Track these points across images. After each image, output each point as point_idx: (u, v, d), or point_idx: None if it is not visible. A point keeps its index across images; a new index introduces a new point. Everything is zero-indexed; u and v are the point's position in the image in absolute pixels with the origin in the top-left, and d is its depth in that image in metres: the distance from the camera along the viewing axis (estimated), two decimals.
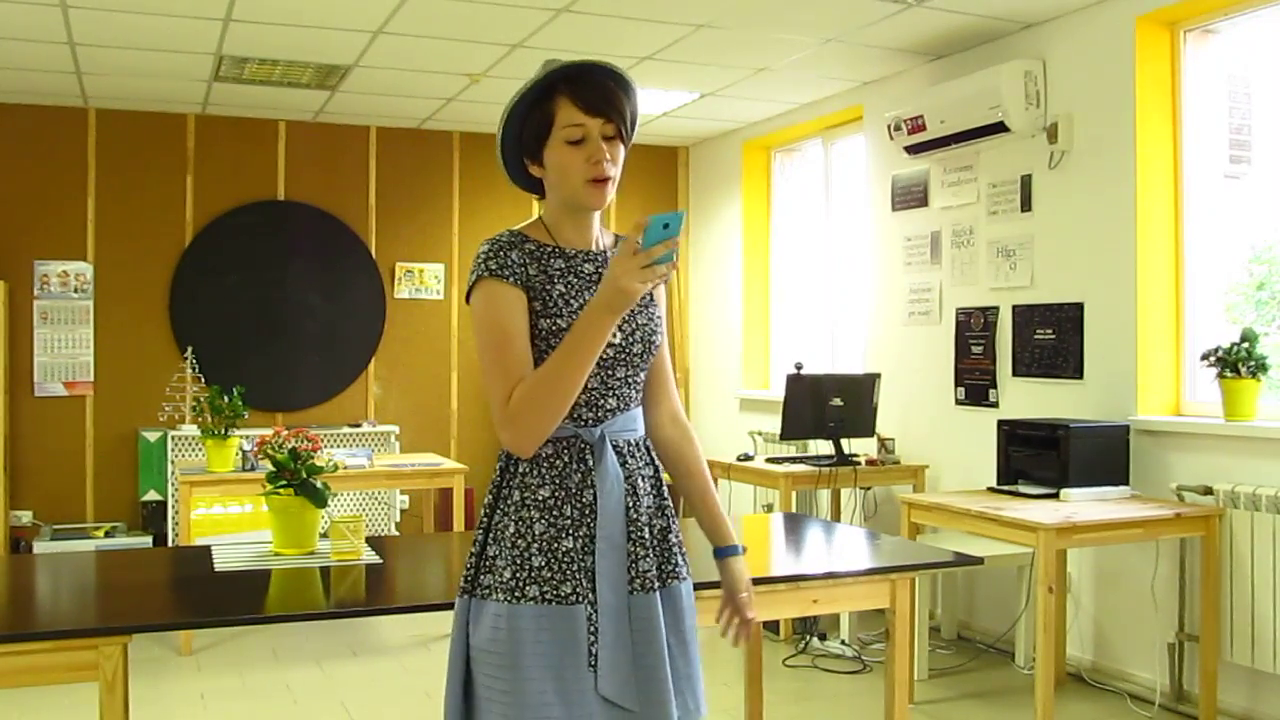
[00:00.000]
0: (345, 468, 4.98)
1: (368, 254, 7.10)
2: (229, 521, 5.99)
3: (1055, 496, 4.21)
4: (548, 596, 1.84)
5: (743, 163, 7.18)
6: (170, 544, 6.14)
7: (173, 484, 6.26)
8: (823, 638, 5.08)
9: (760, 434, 6.59)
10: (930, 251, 5.53)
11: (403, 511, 6.98)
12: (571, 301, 1.88)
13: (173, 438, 6.42)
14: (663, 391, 2.09)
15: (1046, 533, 3.75)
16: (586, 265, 1.94)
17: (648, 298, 2.00)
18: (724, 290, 7.37)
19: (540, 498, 1.88)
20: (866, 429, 5.42)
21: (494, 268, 1.87)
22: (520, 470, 1.90)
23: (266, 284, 6.89)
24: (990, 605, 5.19)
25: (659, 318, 2.01)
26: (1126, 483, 4.32)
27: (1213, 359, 4.13)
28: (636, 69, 5.66)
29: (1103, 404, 4.57)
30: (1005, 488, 4.44)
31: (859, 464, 5.28)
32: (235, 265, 6.81)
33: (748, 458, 5.65)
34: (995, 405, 5.11)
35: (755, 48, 5.31)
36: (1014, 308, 5.03)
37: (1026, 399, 4.96)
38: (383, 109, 6.65)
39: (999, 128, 4.83)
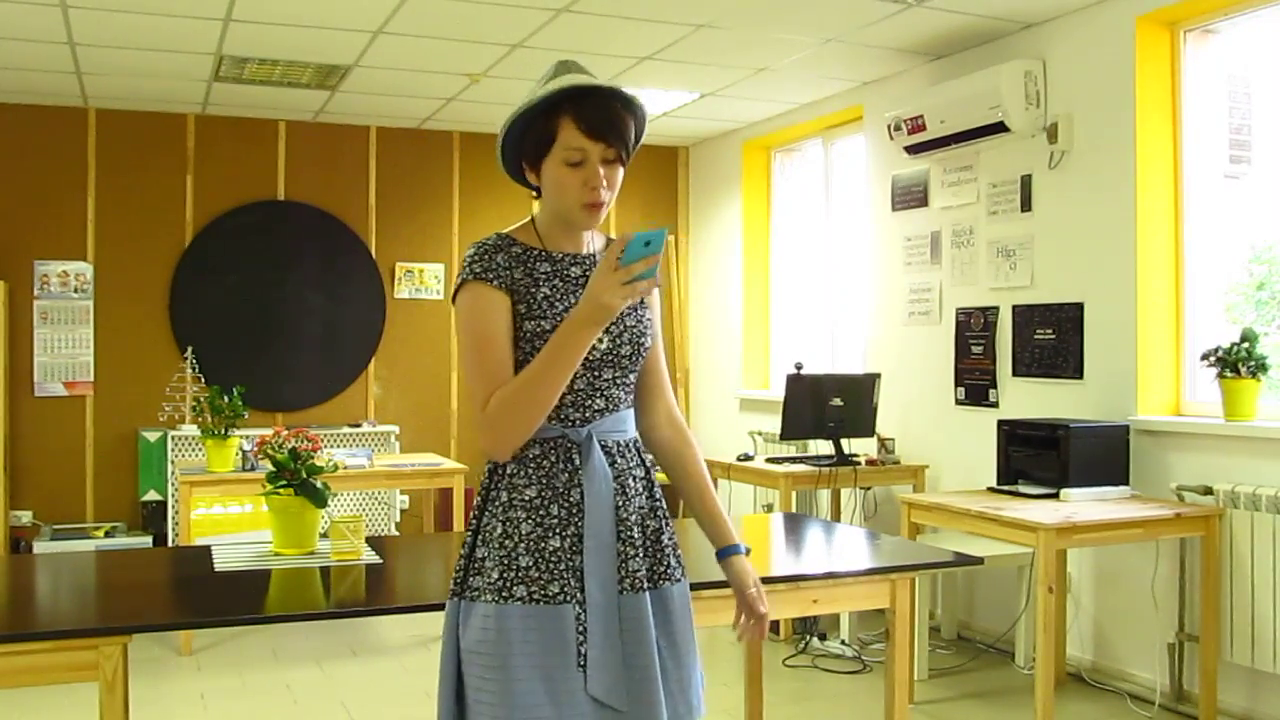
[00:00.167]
0: (345, 468, 4.98)
1: (368, 254, 7.10)
2: (229, 521, 5.99)
3: (1055, 496, 4.21)
4: (535, 596, 1.84)
5: (743, 163, 7.18)
6: (170, 544, 6.14)
7: (173, 484, 6.26)
8: (823, 638, 5.08)
9: (760, 434, 6.59)
10: (930, 251, 5.53)
11: (403, 511, 6.98)
12: (556, 304, 1.90)
13: (173, 438, 6.42)
14: (657, 393, 2.09)
15: (1046, 533, 3.75)
16: (574, 269, 1.95)
17: (640, 300, 1.98)
18: (724, 290, 7.37)
19: (527, 498, 1.89)
20: (866, 429, 5.42)
21: (478, 271, 1.89)
22: (508, 471, 1.91)
23: (266, 284, 6.88)
24: (990, 605, 5.19)
25: (649, 320, 2.02)
26: (1126, 483, 4.32)
27: (1213, 359, 4.12)
28: (636, 69, 5.66)
29: (1103, 404, 4.57)
30: (1005, 488, 4.44)
31: (859, 464, 5.28)
32: (235, 265, 6.81)
33: (748, 458, 5.65)
34: (995, 405, 5.11)
35: (755, 48, 5.31)
36: (1014, 308, 5.03)
37: (1026, 399, 4.96)
38: (383, 109, 6.65)
39: (999, 128, 4.83)
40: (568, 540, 1.88)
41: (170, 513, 6.34)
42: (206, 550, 3.03)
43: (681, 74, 5.79)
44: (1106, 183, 4.57)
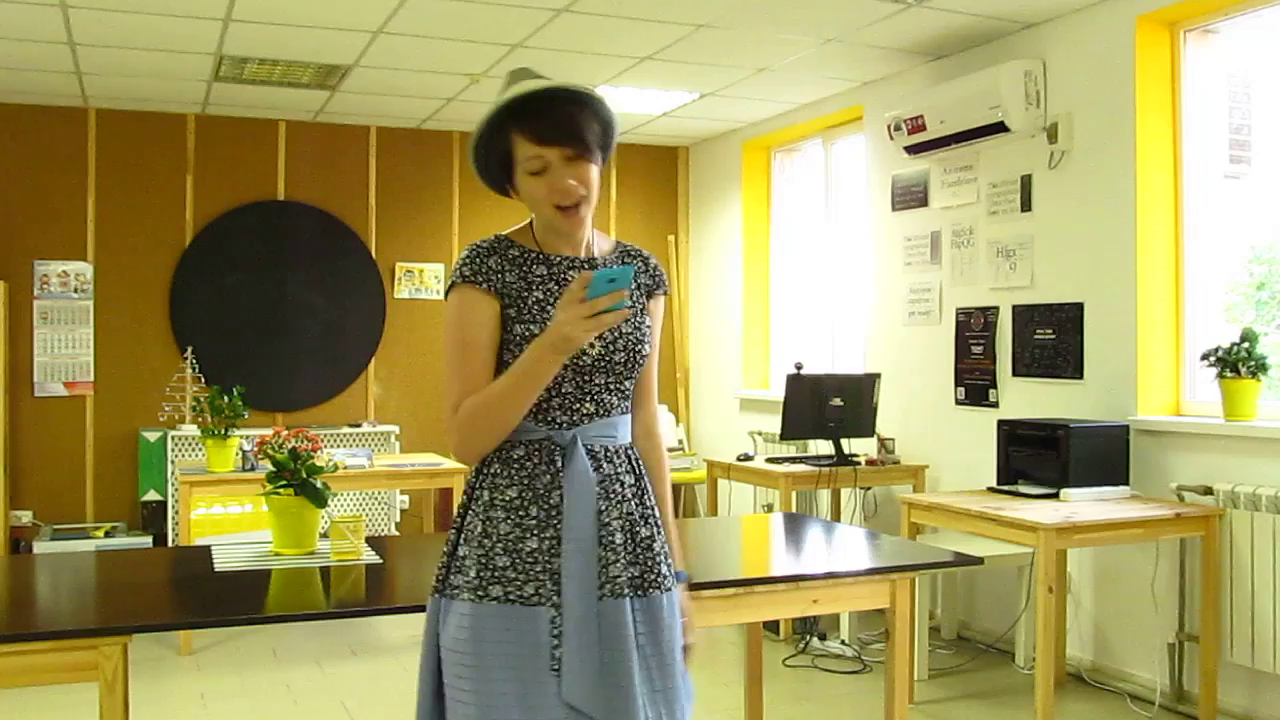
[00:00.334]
0: (345, 468, 4.98)
1: (368, 254, 7.10)
2: (229, 521, 5.99)
3: (1055, 496, 4.21)
4: (511, 597, 1.84)
5: (743, 163, 7.18)
6: (170, 544, 6.14)
7: (173, 484, 6.26)
8: (823, 638, 5.08)
9: (760, 434, 6.59)
10: (930, 251, 5.53)
11: (403, 511, 6.98)
12: (549, 308, 1.89)
13: (173, 438, 6.42)
14: (640, 402, 2.07)
15: (1046, 533, 3.75)
16: (571, 272, 1.94)
17: (641, 306, 2.00)
18: (724, 290, 7.37)
19: (507, 498, 1.89)
20: (866, 429, 5.42)
21: (468, 274, 1.89)
22: (491, 471, 1.91)
23: (266, 284, 6.89)
24: (990, 605, 5.19)
25: (647, 328, 2.00)
26: (1126, 483, 4.32)
27: (1213, 359, 4.13)
28: (636, 69, 5.66)
29: (1103, 404, 4.57)
30: (1005, 488, 4.44)
31: (859, 464, 5.28)
32: (235, 265, 6.81)
33: (748, 458, 5.65)
34: (995, 405, 5.11)
35: (755, 48, 5.31)
36: (1014, 308, 5.03)
37: (1026, 399, 4.96)
38: (383, 109, 6.65)
39: (999, 128, 4.83)
40: (546, 542, 1.86)
41: (170, 513, 6.34)
42: (206, 550, 3.03)
43: (681, 74, 5.79)
44: (1106, 183, 4.57)
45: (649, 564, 1.93)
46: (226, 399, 5.02)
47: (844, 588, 2.84)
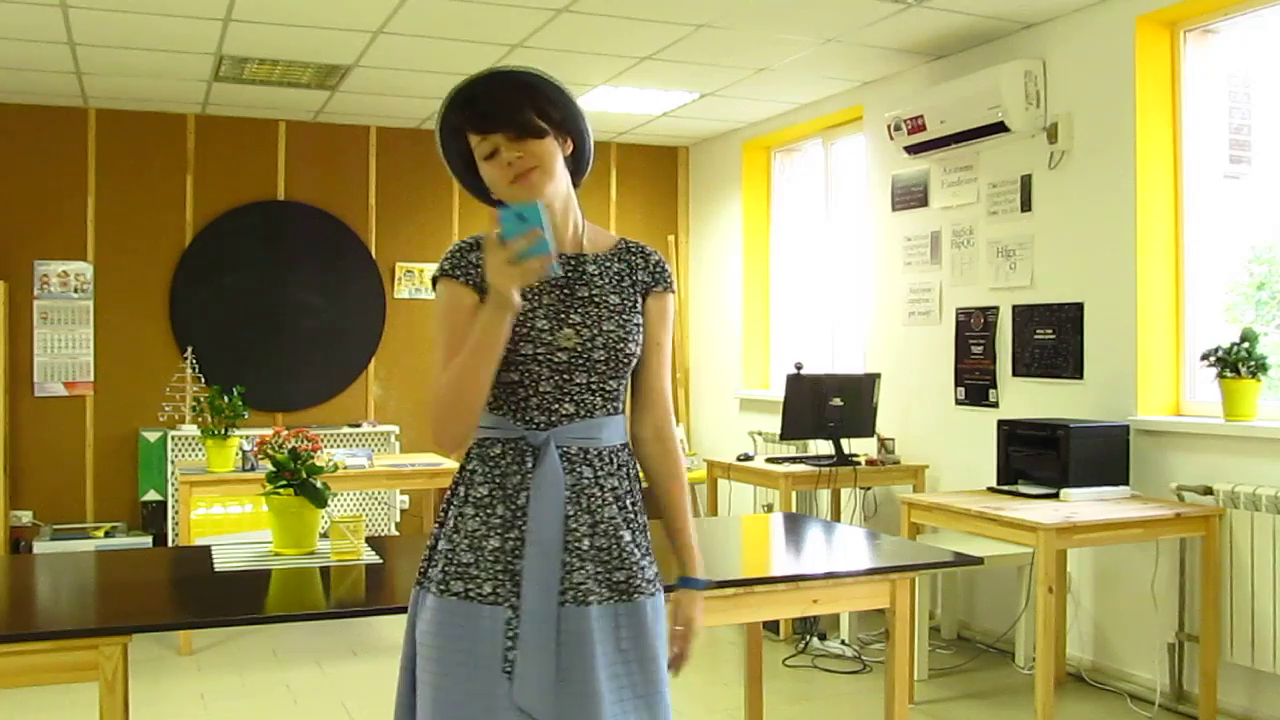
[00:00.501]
0: (345, 468, 4.98)
1: (368, 254, 7.10)
2: (229, 521, 5.99)
3: (1055, 496, 4.21)
4: (470, 594, 1.84)
5: (743, 163, 7.18)
6: (170, 544, 6.14)
7: (173, 484, 6.26)
8: (823, 638, 5.08)
9: (760, 434, 6.59)
10: (930, 251, 5.53)
11: (403, 511, 6.98)
12: (526, 302, 1.87)
13: (173, 438, 6.41)
14: (648, 405, 2.04)
15: (1046, 533, 3.75)
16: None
17: (632, 304, 1.96)
18: (724, 290, 7.37)
19: (479, 495, 1.89)
20: (866, 429, 5.42)
21: (447, 268, 1.92)
22: (470, 467, 1.92)
23: (266, 284, 6.88)
24: (990, 605, 5.19)
25: (636, 326, 1.96)
26: (1126, 483, 4.32)
27: (1213, 359, 4.12)
28: (636, 69, 5.66)
29: (1103, 404, 4.57)
30: (1005, 488, 4.44)
31: (859, 464, 5.28)
32: (235, 265, 6.81)
33: (748, 458, 5.65)
34: (995, 405, 5.11)
35: (755, 48, 5.31)
36: (1014, 308, 5.03)
37: (1026, 399, 4.96)
38: (383, 109, 6.65)
39: (999, 128, 4.83)
40: (510, 543, 1.85)
41: (170, 513, 6.34)
42: (206, 550, 3.03)
43: (681, 74, 5.79)
44: (1106, 183, 4.57)
45: (632, 569, 1.88)
46: (226, 399, 5.02)
47: (844, 588, 2.84)
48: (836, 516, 5.70)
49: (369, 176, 7.13)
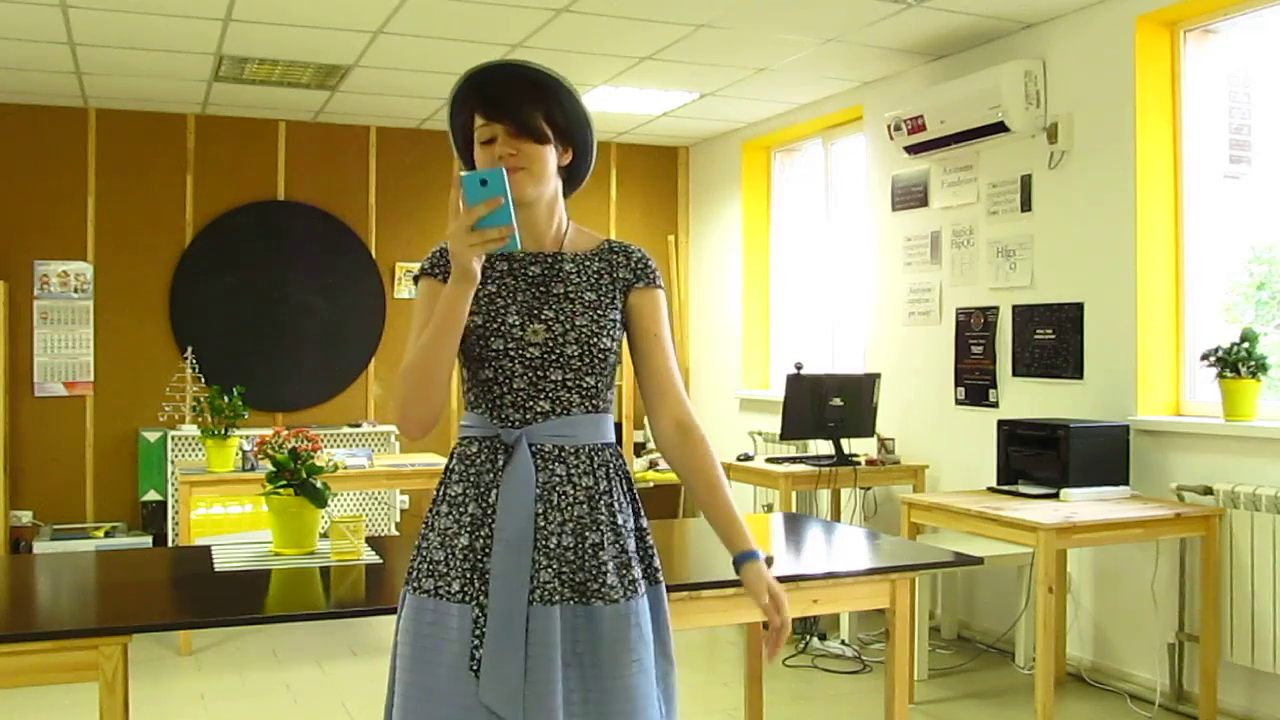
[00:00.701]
0: (345, 468, 4.98)
1: (368, 254, 7.10)
2: (229, 521, 5.99)
3: (1055, 496, 4.21)
4: (439, 592, 1.85)
5: (743, 163, 7.18)
6: (170, 544, 6.14)
7: (173, 484, 6.26)
8: (823, 638, 5.08)
9: (760, 434, 6.59)
10: (930, 251, 5.53)
11: (403, 511, 6.98)
12: (498, 301, 1.90)
13: (173, 438, 6.41)
14: (659, 398, 2.00)
15: (1046, 533, 3.75)
16: (533, 267, 1.95)
17: (610, 301, 1.95)
18: (724, 290, 7.37)
19: (453, 493, 1.90)
20: (866, 429, 5.42)
21: (426, 267, 1.97)
22: (450, 466, 1.94)
23: (266, 284, 6.88)
24: (990, 605, 5.19)
25: (613, 322, 1.95)
26: (1126, 483, 4.32)
27: (1213, 359, 4.12)
28: (636, 69, 5.66)
29: (1103, 404, 4.57)
30: (1005, 488, 4.44)
31: (859, 464, 5.28)
32: (235, 265, 6.81)
33: (748, 458, 5.65)
34: (995, 405, 5.11)
35: (755, 48, 5.31)
36: (1014, 308, 5.02)
37: (1026, 399, 4.96)
38: (383, 109, 6.65)
39: (999, 128, 4.83)
40: (480, 540, 1.85)
41: (170, 513, 6.34)
42: (206, 550, 3.03)
43: (681, 74, 5.79)
44: (1106, 183, 4.57)
45: (593, 572, 1.85)
46: (226, 399, 5.02)
47: (844, 588, 2.84)
48: (836, 516, 5.70)
49: (369, 176, 7.13)
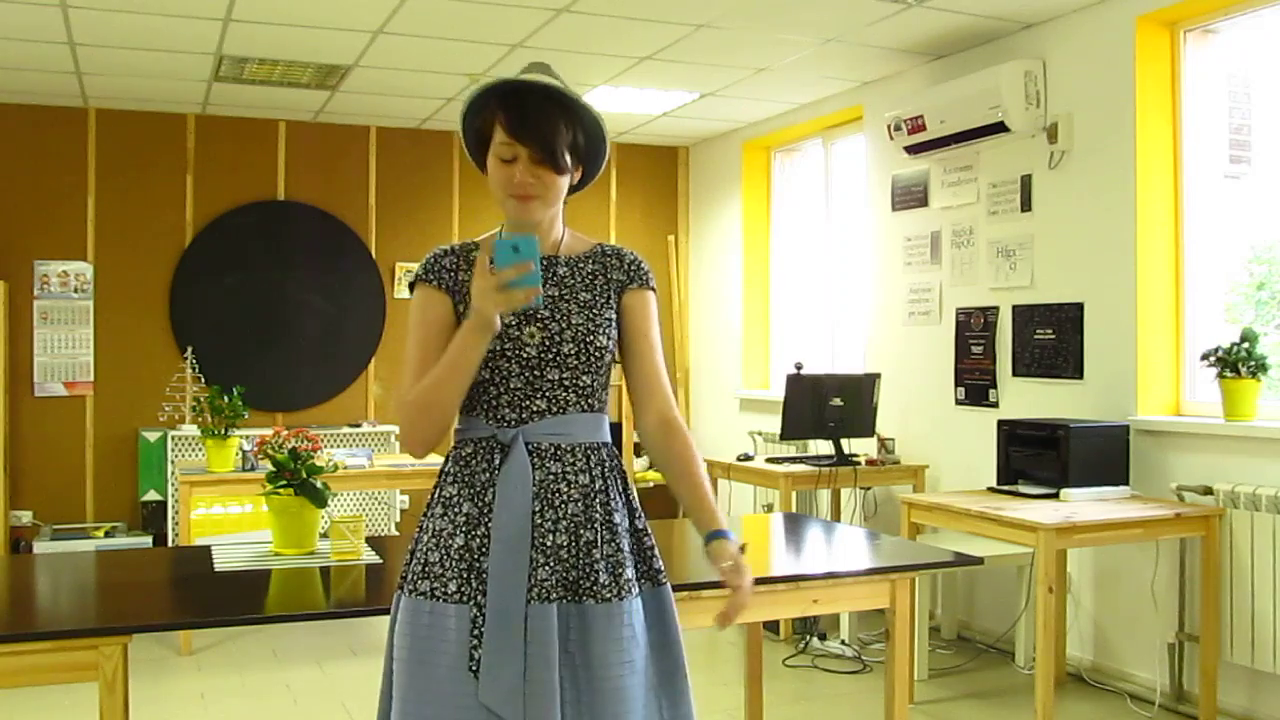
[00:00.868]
0: (345, 468, 4.98)
1: (368, 254, 7.10)
2: (229, 521, 5.99)
3: (1055, 496, 4.21)
4: (436, 593, 1.85)
5: (743, 163, 7.18)
6: (170, 544, 6.14)
7: (173, 484, 6.26)
8: (823, 638, 5.08)
9: (760, 434, 6.59)
10: (930, 251, 5.53)
11: (403, 511, 6.98)
12: None
13: (173, 438, 6.41)
14: (646, 396, 2.02)
15: (1046, 533, 3.75)
16: None
17: (604, 301, 1.97)
18: (724, 290, 7.37)
19: (448, 494, 1.91)
20: (866, 429, 5.42)
21: (422, 273, 1.98)
22: (445, 469, 1.94)
23: (266, 284, 6.88)
24: (990, 605, 5.19)
25: (608, 321, 1.97)
26: (1126, 483, 4.32)
27: (1213, 359, 4.12)
28: (636, 69, 5.66)
29: (1103, 404, 4.57)
30: (1005, 488, 4.44)
31: (859, 464, 5.28)
32: (235, 265, 6.81)
33: (748, 458, 5.65)
34: (995, 405, 5.11)
35: (755, 48, 5.31)
36: (1014, 308, 5.02)
37: (1026, 399, 4.96)
38: (383, 109, 6.65)
39: (999, 128, 4.83)
40: (476, 540, 1.86)
41: (170, 513, 6.34)
42: (206, 550, 3.03)
43: (681, 74, 5.79)
44: (1106, 183, 4.57)
45: (586, 570, 1.86)
46: (226, 399, 5.02)
47: (844, 588, 2.84)
48: (836, 516, 5.70)
49: (369, 176, 7.13)
